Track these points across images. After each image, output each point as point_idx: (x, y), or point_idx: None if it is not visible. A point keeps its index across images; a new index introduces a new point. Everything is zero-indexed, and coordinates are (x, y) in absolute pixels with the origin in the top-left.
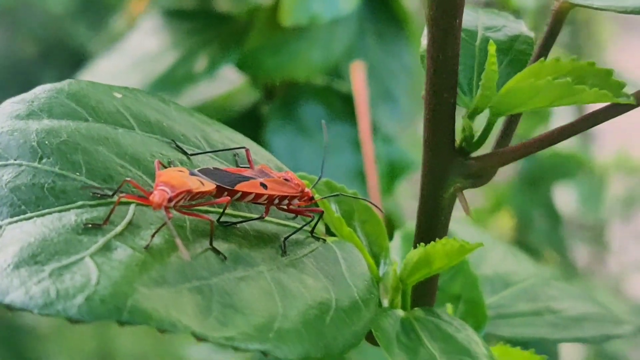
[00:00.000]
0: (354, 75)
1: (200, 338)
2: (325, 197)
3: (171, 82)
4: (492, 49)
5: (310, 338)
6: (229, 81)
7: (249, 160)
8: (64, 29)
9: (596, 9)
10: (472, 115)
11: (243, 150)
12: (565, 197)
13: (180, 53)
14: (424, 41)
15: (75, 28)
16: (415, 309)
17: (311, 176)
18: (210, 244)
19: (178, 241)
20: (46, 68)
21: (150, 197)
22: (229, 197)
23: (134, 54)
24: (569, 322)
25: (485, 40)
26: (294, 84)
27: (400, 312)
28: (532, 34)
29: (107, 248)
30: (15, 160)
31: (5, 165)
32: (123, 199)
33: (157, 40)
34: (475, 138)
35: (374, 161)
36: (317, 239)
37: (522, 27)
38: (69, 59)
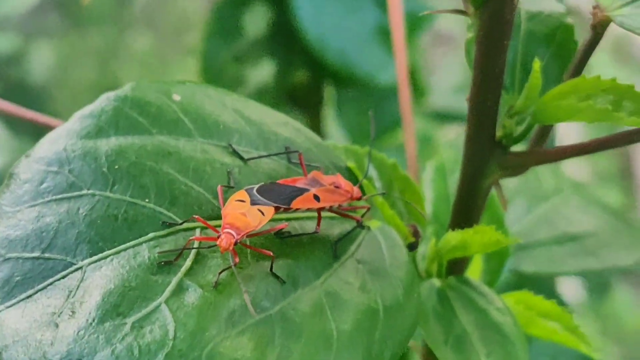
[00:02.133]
0: None
1: None
2: (371, 196)
3: None
4: (536, 65)
5: (363, 355)
6: None
7: (301, 165)
8: None
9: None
10: (512, 116)
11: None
12: None
13: None
14: (469, 34)
15: None
16: (450, 277)
17: (358, 147)
18: (271, 270)
19: (246, 297)
20: None
21: (218, 242)
22: (287, 223)
23: None
24: (587, 252)
25: (528, 34)
26: None
27: (436, 282)
28: (572, 22)
29: (179, 290)
30: (88, 189)
31: (81, 196)
32: (191, 240)
33: None
34: (515, 135)
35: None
36: (362, 227)
37: (562, 13)
38: None
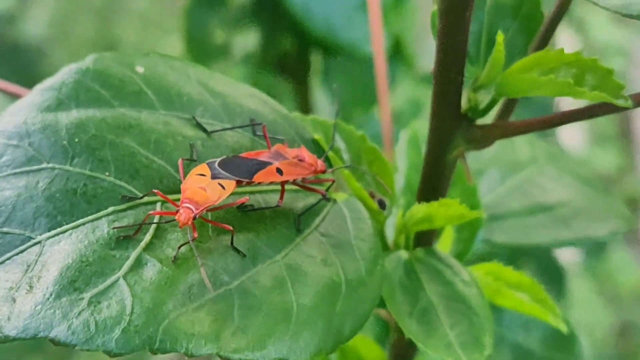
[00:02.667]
0: None
1: (224, 358)
2: (337, 168)
3: None
4: (499, 38)
5: (321, 330)
6: None
7: (265, 138)
8: None
9: (600, 6)
10: (477, 90)
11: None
12: None
13: None
14: (434, 6)
15: None
16: (417, 249)
17: (325, 120)
18: (232, 244)
19: (203, 272)
20: None
21: (177, 217)
22: (248, 197)
23: None
24: (559, 222)
25: (495, 5)
26: None
27: (404, 254)
28: None
29: (138, 264)
30: (48, 163)
31: (40, 170)
32: (150, 215)
33: None
34: (480, 107)
35: None
36: (327, 200)
37: None
38: None
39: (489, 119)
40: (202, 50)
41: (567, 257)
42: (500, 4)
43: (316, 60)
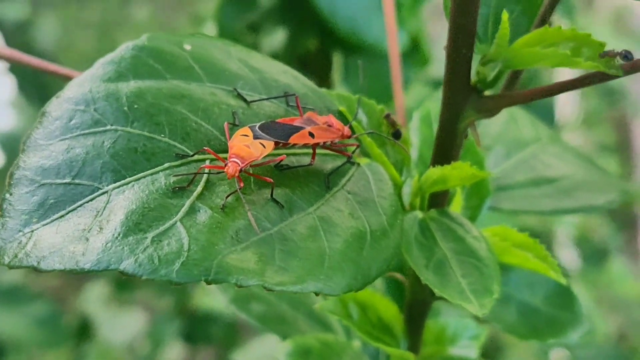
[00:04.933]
0: None
1: (269, 289)
2: (361, 134)
3: None
4: (504, 17)
5: (351, 271)
6: None
7: (298, 107)
8: None
9: None
10: (485, 64)
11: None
12: None
13: None
14: None
15: None
16: (431, 210)
17: (349, 94)
18: (271, 196)
19: (250, 215)
20: None
21: (225, 169)
22: (285, 156)
23: None
24: (562, 193)
25: None
26: None
27: (419, 214)
28: None
29: (192, 211)
30: (112, 125)
31: (105, 131)
32: (202, 168)
33: None
34: (488, 80)
35: None
36: (353, 163)
37: None
38: None
39: (496, 91)
40: None
41: (566, 265)
42: None
43: (337, 58)
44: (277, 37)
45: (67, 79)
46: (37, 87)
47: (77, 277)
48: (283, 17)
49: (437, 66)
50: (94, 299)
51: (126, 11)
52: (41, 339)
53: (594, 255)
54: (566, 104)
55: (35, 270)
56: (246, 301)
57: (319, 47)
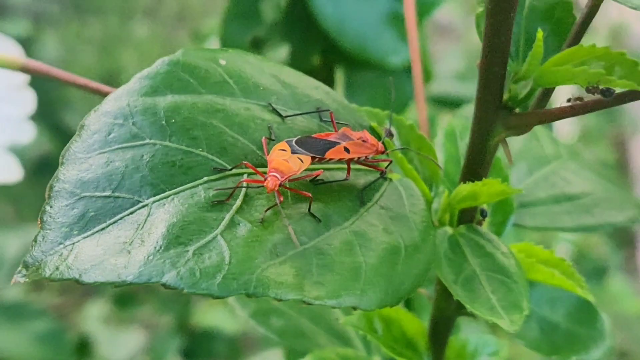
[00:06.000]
0: None
1: (308, 303)
2: (393, 150)
3: None
4: (539, 35)
5: (385, 286)
6: None
7: (332, 122)
8: None
9: (628, 6)
10: (517, 82)
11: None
12: None
13: None
14: (479, 9)
15: None
16: (461, 226)
17: (378, 110)
18: (309, 210)
19: (290, 230)
20: None
21: (265, 183)
22: (322, 170)
23: None
24: (582, 210)
25: (531, 10)
26: None
27: (449, 230)
28: None
29: (232, 224)
30: (150, 139)
31: (143, 145)
32: (241, 182)
33: None
34: (519, 98)
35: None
36: (385, 179)
37: None
38: None
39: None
40: None
41: None
42: (536, 7)
43: (340, 74)
44: (281, 53)
45: (96, 93)
46: (45, 102)
47: (78, 295)
48: (287, 32)
49: (438, 83)
50: (94, 317)
51: (127, 28)
52: (43, 356)
53: (594, 272)
54: (564, 121)
55: (77, 283)
56: (266, 316)
57: (322, 63)
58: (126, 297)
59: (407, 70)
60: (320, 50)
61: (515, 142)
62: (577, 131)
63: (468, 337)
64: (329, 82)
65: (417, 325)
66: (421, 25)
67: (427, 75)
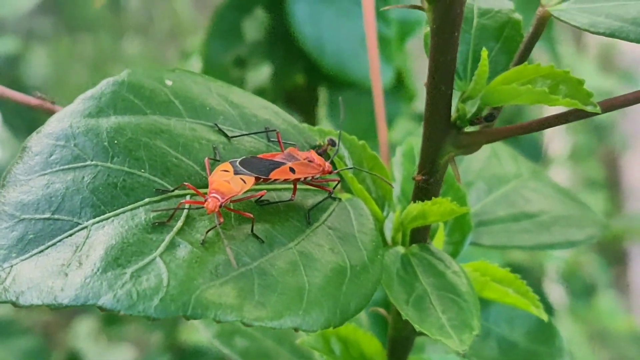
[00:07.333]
0: None
1: (247, 324)
2: (341, 170)
3: None
4: (484, 54)
5: (330, 306)
6: None
7: (279, 142)
8: None
9: (571, 25)
10: (465, 101)
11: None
12: None
13: None
14: (426, 28)
15: None
16: (413, 245)
17: (330, 130)
18: (252, 231)
19: (229, 250)
20: None
21: (205, 204)
22: (265, 191)
23: None
24: (541, 228)
25: (480, 29)
26: None
27: (401, 249)
28: (519, 17)
29: (172, 246)
30: (91, 160)
31: (85, 167)
32: (182, 204)
33: None
34: (467, 117)
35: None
36: (334, 199)
37: (510, 10)
38: None
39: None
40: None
41: (555, 301)
42: (485, 26)
43: (323, 94)
44: (264, 72)
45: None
46: (25, 121)
47: (67, 313)
48: (269, 52)
49: (423, 102)
50: (83, 335)
51: (118, 46)
52: None
53: (584, 290)
54: (554, 139)
55: (14, 305)
56: (230, 336)
57: (305, 82)
58: (115, 314)
59: (390, 90)
60: (303, 70)
61: (476, 161)
62: (567, 149)
63: (430, 357)
64: (313, 101)
65: (375, 345)
66: (402, 45)
67: (410, 94)
